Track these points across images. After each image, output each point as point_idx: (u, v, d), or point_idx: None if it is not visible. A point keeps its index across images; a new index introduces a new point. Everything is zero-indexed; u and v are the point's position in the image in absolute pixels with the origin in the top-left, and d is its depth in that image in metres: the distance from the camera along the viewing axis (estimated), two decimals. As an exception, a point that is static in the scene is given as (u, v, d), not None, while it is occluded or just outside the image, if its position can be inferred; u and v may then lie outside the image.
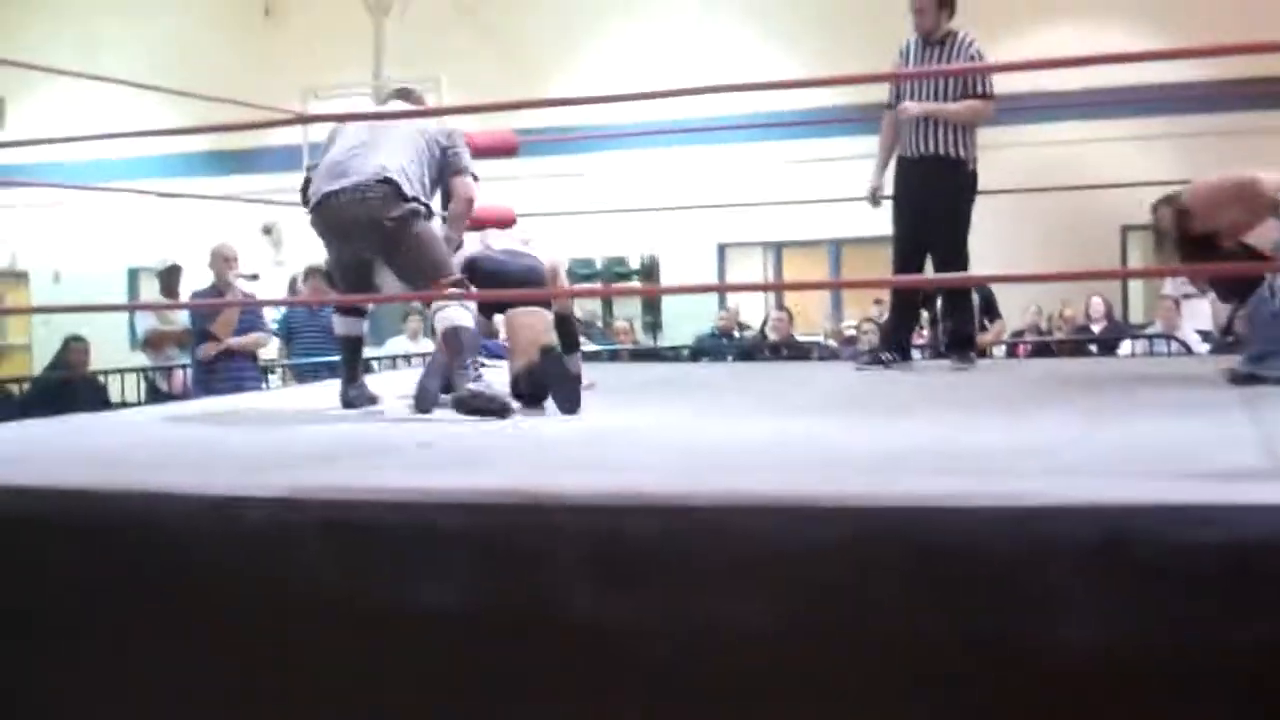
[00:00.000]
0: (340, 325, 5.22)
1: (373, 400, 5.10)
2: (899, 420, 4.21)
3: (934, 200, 6.01)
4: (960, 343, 6.41)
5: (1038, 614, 2.41)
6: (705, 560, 2.60)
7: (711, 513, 2.63)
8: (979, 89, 6.02)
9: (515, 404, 4.74)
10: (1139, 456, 3.10)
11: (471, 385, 4.60)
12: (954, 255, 6.03)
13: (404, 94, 5.44)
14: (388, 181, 4.78)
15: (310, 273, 10.46)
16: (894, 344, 6.40)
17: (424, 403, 4.86)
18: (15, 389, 9.59)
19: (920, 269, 6.12)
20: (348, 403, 5.05)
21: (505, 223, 6.00)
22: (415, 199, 4.84)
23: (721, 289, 15.43)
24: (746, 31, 15.01)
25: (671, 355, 10.46)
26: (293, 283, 10.63)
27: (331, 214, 4.87)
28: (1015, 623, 2.43)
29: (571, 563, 2.69)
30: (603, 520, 2.68)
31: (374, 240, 4.86)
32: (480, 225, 5.63)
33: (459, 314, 4.78)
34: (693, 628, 2.59)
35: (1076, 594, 2.39)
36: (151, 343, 8.99)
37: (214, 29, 16.51)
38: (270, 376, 9.05)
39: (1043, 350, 10.14)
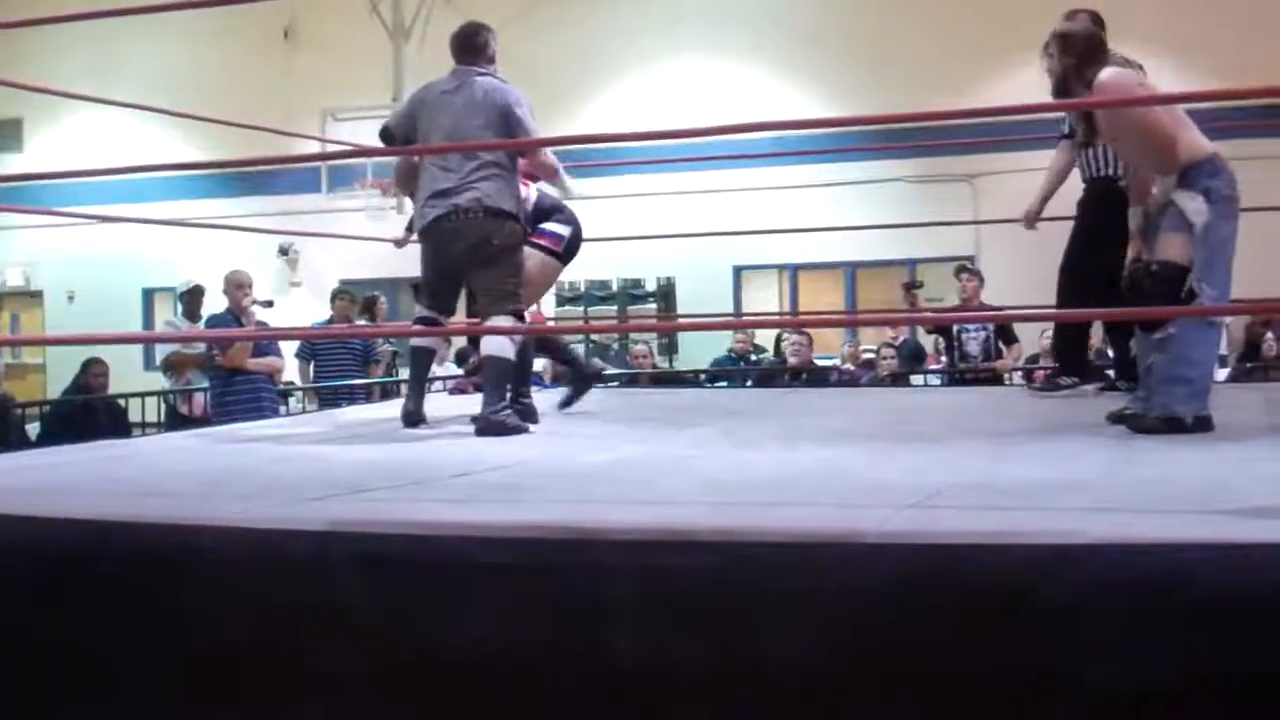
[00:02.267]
0: (418, 338, 5.56)
1: (423, 420, 5.30)
2: (934, 450, 4.21)
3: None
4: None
5: (1079, 654, 2.41)
6: (752, 596, 2.60)
7: (758, 548, 2.63)
8: None
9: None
10: (1177, 493, 3.09)
11: (493, 412, 4.98)
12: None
13: (470, 46, 5.43)
14: (490, 210, 5.12)
15: (336, 295, 10.49)
16: (1069, 365, 6.11)
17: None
18: (35, 410, 9.64)
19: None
20: (410, 418, 5.24)
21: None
22: (514, 214, 5.23)
23: (761, 323, 15.42)
24: (757, 69, 15.08)
25: (690, 378, 10.47)
26: (332, 300, 10.64)
27: (438, 237, 5.23)
28: (1058, 663, 2.43)
29: (617, 600, 2.70)
30: (649, 556, 2.69)
31: (473, 259, 5.22)
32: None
33: (502, 343, 5.10)
34: (739, 665, 2.59)
35: (1119, 635, 2.40)
36: (172, 365, 9.01)
37: (233, 50, 16.57)
38: (290, 400, 9.07)
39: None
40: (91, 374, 9.54)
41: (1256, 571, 2.34)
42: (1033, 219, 6.23)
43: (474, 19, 5.57)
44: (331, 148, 11.19)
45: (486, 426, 4.95)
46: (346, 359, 9.77)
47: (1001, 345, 9.33)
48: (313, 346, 9.92)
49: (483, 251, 5.15)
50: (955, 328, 9.12)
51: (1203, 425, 4.31)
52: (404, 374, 9.35)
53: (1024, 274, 13.23)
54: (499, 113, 5.17)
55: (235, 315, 8.22)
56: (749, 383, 9.80)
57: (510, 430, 4.94)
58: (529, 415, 5.37)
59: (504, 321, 5.14)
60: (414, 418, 5.24)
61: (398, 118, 5.47)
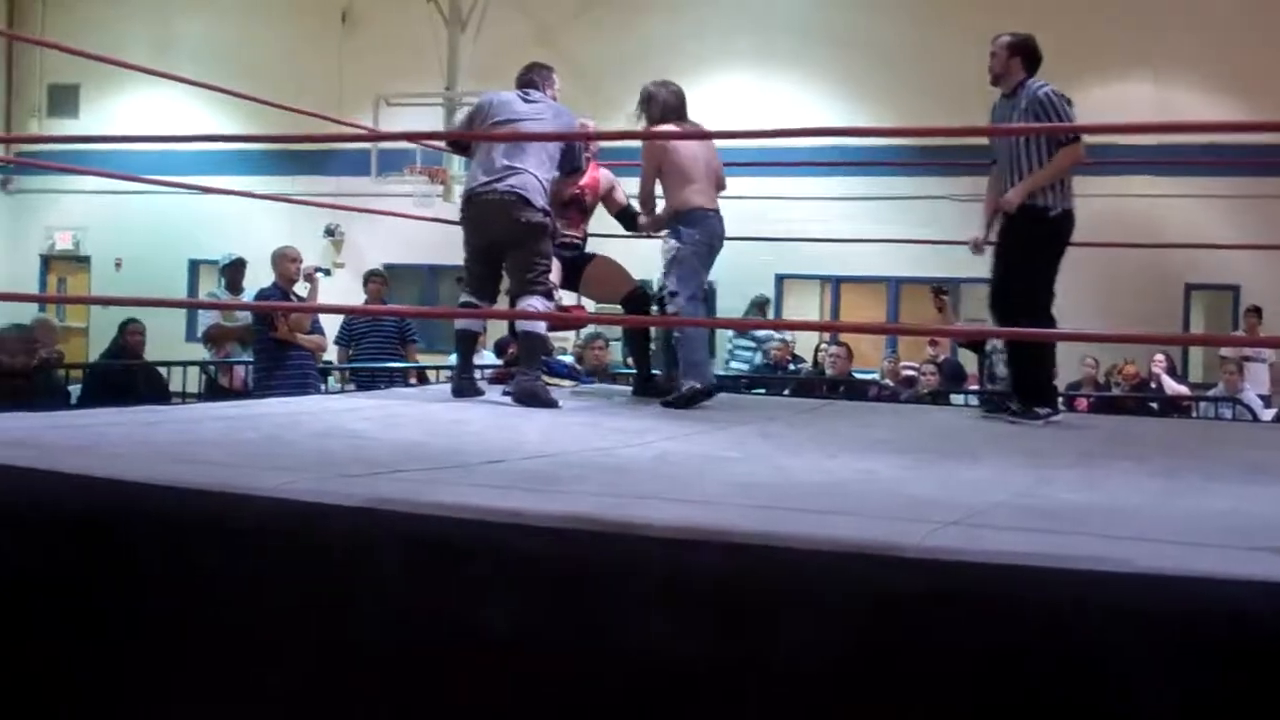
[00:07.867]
0: (460, 322, 6.24)
1: (479, 392, 6.07)
2: (974, 469, 4.18)
3: (1012, 249, 5.91)
4: (1026, 391, 5.97)
5: (1114, 685, 2.38)
6: (777, 600, 2.58)
7: (788, 554, 2.62)
8: (1062, 137, 5.75)
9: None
10: (1220, 526, 3.05)
11: (527, 381, 5.70)
12: (1023, 303, 5.85)
13: (532, 79, 6.27)
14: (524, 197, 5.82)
15: (369, 277, 10.50)
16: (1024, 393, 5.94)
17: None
18: (77, 373, 9.69)
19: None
20: (457, 390, 5.97)
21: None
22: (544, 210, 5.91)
23: (803, 326, 15.36)
24: (807, 82, 15.09)
25: (730, 385, 10.43)
26: (365, 282, 10.66)
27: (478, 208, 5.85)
28: (1089, 693, 2.40)
29: (643, 595, 2.68)
30: (678, 554, 2.67)
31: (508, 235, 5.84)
32: None
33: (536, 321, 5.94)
34: (762, 667, 2.57)
35: (1155, 668, 2.37)
36: (213, 338, 9.05)
37: (289, 32, 16.64)
38: (329, 379, 9.09)
39: (1104, 405, 10.03)
40: (129, 333, 9.57)
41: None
42: (978, 244, 6.23)
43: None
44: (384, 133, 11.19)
45: (521, 393, 5.64)
46: (383, 341, 9.79)
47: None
48: (350, 330, 9.95)
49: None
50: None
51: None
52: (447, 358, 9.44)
53: (1068, 296, 13.17)
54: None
55: (283, 290, 8.24)
56: (785, 391, 9.75)
57: (544, 400, 5.60)
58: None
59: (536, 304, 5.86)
60: (467, 389, 5.96)
61: None
